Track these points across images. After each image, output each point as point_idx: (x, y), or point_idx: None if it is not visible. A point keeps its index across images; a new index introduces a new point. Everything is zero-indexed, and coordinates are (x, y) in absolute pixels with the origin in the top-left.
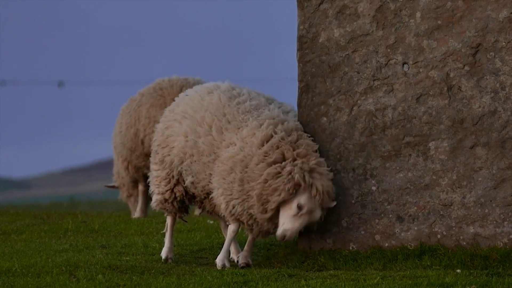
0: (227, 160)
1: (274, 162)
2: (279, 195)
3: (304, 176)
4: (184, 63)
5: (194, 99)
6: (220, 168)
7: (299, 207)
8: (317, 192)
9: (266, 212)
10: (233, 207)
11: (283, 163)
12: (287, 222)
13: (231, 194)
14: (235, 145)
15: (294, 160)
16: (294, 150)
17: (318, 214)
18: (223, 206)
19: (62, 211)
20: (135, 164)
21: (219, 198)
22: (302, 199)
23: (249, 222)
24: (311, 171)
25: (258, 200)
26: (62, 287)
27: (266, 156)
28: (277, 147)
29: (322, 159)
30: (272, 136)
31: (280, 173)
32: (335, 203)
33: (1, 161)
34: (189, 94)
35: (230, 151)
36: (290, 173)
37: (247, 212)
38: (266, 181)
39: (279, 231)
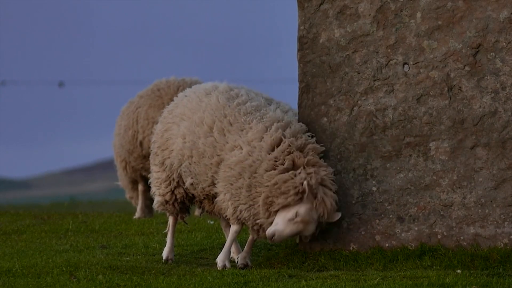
0: (235, 165)
1: (286, 170)
2: (286, 198)
3: (317, 189)
4: (185, 64)
5: (192, 100)
6: (227, 174)
7: (297, 215)
8: (324, 209)
9: (270, 215)
10: (240, 212)
11: (297, 170)
12: (280, 224)
13: (238, 200)
14: (241, 148)
15: (304, 168)
16: (304, 157)
17: (311, 228)
18: (230, 211)
19: (63, 211)
20: (133, 165)
21: (226, 203)
22: (302, 209)
23: (255, 227)
24: (321, 184)
25: (263, 203)
26: (62, 287)
27: (276, 162)
28: (288, 153)
29: (330, 169)
30: (281, 140)
31: (292, 179)
32: (339, 215)
33: (1, 161)
34: (188, 95)
35: (237, 155)
36: (305, 179)
37: (253, 217)
38: (275, 183)
39: (270, 230)
